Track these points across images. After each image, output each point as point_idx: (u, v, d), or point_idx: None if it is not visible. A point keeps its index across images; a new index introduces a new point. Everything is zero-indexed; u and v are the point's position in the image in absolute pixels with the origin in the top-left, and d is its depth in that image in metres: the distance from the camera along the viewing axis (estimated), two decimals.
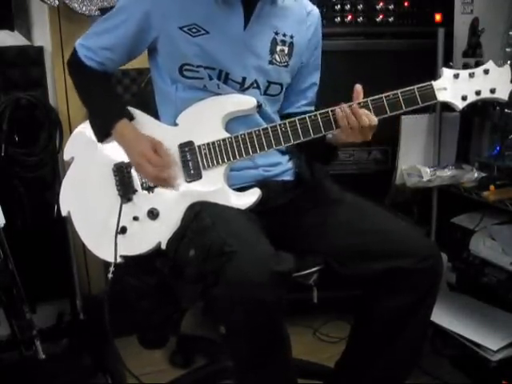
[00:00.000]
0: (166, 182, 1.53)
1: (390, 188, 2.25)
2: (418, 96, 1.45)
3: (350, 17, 2.26)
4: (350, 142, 1.50)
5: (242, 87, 1.56)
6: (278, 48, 1.58)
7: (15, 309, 1.89)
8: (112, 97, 1.66)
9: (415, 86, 1.45)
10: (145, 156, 1.51)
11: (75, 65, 1.64)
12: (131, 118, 1.59)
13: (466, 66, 1.54)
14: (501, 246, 2.01)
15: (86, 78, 1.63)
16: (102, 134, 1.59)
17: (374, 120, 1.44)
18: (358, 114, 1.44)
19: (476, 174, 2.06)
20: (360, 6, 2.25)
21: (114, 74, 1.71)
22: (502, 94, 1.46)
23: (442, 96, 1.47)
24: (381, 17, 2.27)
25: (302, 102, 1.70)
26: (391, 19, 2.28)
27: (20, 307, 1.89)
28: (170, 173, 1.52)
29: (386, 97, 1.45)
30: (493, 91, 1.46)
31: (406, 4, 2.28)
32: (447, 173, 2.11)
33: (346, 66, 2.22)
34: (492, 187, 1.98)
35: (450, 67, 1.51)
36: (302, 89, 1.69)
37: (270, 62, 1.57)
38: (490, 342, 1.92)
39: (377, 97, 1.46)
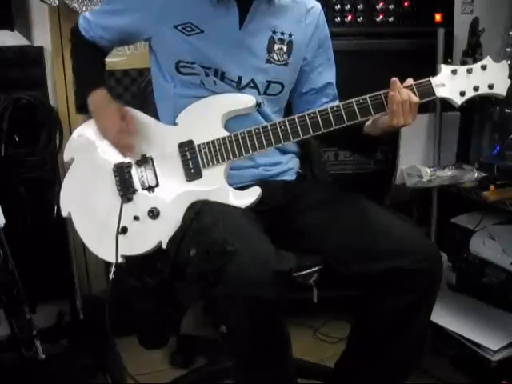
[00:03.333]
0: (125, 148, 1.56)
1: (390, 188, 2.25)
2: (416, 92, 1.44)
3: (349, 17, 2.26)
4: (391, 129, 1.46)
5: (239, 86, 1.56)
6: (276, 46, 1.57)
7: (15, 309, 1.89)
8: (95, 68, 1.70)
9: (414, 83, 1.45)
10: (111, 121, 1.57)
11: (75, 32, 1.69)
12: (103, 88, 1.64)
13: (464, 63, 1.54)
14: (501, 246, 2.01)
15: (80, 46, 1.69)
16: (80, 103, 1.65)
17: (414, 98, 1.42)
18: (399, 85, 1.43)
19: (476, 174, 2.06)
20: (360, 6, 2.25)
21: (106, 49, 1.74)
22: (499, 90, 1.46)
23: (440, 92, 1.46)
24: (381, 17, 2.28)
25: (324, 100, 1.68)
26: (391, 19, 2.28)
27: (20, 307, 1.89)
28: (128, 139, 1.55)
29: (384, 93, 1.45)
30: (491, 87, 1.45)
31: (405, 4, 2.28)
32: (447, 173, 2.11)
33: (346, 66, 2.21)
34: (492, 187, 1.97)
35: (450, 63, 1.50)
36: (318, 88, 1.68)
37: (268, 61, 1.57)
38: (490, 342, 1.92)
39: (375, 93, 1.46)
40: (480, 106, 2.07)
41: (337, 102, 1.68)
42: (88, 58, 1.68)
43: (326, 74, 1.69)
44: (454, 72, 1.46)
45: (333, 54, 1.69)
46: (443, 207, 2.29)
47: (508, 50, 2.06)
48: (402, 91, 1.42)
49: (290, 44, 1.59)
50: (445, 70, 1.47)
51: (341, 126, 1.48)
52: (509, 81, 1.46)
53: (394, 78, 1.43)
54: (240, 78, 1.56)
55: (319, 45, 1.65)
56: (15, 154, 2.13)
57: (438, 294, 1.48)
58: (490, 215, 2.15)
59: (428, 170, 2.12)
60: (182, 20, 1.52)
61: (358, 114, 1.47)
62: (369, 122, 1.51)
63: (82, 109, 1.64)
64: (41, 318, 2.15)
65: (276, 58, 1.58)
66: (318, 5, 1.66)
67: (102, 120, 1.60)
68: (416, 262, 1.41)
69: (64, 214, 1.59)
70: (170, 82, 1.60)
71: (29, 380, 1.95)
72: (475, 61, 1.52)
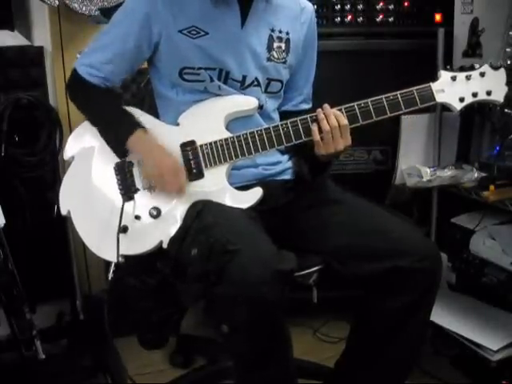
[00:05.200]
0: (177, 191, 1.51)
1: (390, 188, 2.25)
2: (417, 97, 1.47)
3: (349, 17, 2.26)
4: (327, 156, 1.50)
5: (243, 85, 1.57)
6: (275, 45, 1.59)
7: (15, 309, 1.89)
8: (120, 112, 1.61)
9: (414, 88, 1.47)
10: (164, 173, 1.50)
11: (77, 85, 1.63)
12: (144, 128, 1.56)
13: (462, 69, 1.56)
14: (501, 246, 2.01)
15: (90, 96, 1.62)
16: (120, 152, 1.57)
17: (344, 121, 1.45)
18: (328, 112, 1.46)
19: (476, 174, 2.06)
20: (360, 6, 2.26)
21: (117, 87, 1.68)
22: (497, 96, 1.50)
23: (440, 97, 1.49)
24: (381, 17, 2.28)
25: (299, 99, 1.72)
26: (391, 19, 2.28)
27: (20, 307, 1.89)
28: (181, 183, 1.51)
29: (386, 98, 1.47)
30: (489, 93, 1.49)
31: (405, 4, 2.28)
32: (447, 173, 2.11)
33: (346, 66, 2.22)
34: (492, 187, 1.97)
35: (449, 69, 1.52)
36: (298, 85, 1.70)
37: (268, 59, 1.58)
38: (490, 342, 1.92)
39: (377, 98, 1.47)
40: (480, 107, 2.07)
41: (310, 104, 1.72)
42: (106, 106, 1.61)
43: (308, 72, 1.71)
44: (454, 78, 1.49)
45: (316, 54, 1.71)
46: (443, 207, 2.29)
47: (508, 49, 2.06)
48: (331, 118, 1.44)
49: (287, 42, 1.61)
50: (444, 76, 1.50)
51: None
52: (506, 88, 1.49)
53: (324, 105, 1.47)
54: (244, 77, 1.57)
55: (309, 44, 1.67)
56: (15, 154, 2.13)
57: (438, 294, 1.49)
58: (489, 215, 2.15)
59: (428, 170, 2.12)
60: (186, 24, 1.52)
61: (359, 117, 1.48)
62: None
63: (124, 154, 1.57)
64: (41, 317, 2.15)
65: (275, 55, 1.59)
66: (310, 4, 1.68)
67: (155, 163, 1.52)
68: (416, 261, 1.41)
69: (63, 212, 1.59)
70: (170, 89, 1.60)
71: (29, 380, 1.95)
72: (471, 65, 1.54)
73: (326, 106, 1.48)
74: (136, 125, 1.56)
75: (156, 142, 1.55)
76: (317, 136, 1.46)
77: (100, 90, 1.61)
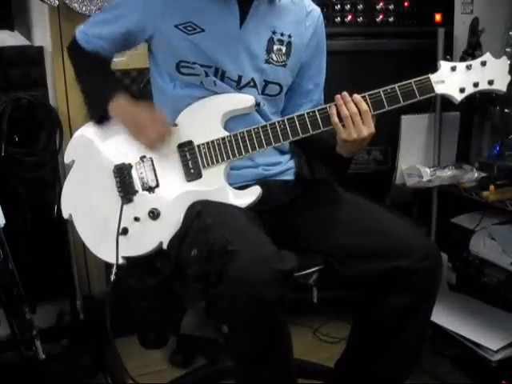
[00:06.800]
0: (161, 136, 1.52)
1: (390, 188, 2.25)
2: (415, 89, 1.44)
3: (350, 17, 2.26)
4: (351, 145, 1.47)
5: (239, 85, 1.57)
6: (275, 47, 1.58)
7: (15, 309, 1.89)
8: (107, 77, 1.66)
9: (412, 80, 1.45)
10: (144, 115, 1.52)
11: (74, 48, 1.66)
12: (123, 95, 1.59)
13: (463, 60, 1.53)
14: (501, 246, 2.01)
15: (84, 59, 1.64)
16: (98, 113, 1.59)
17: (364, 106, 1.42)
18: (347, 99, 1.43)
19: (476, 174, 2.05)
20: (360, 6, 2.26)
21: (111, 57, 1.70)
22: (500, 86, 1.45)
23: (439, 89, 1.45)
24: (381, 17, 2.28)
25: (308, 106, 1.67)
26: (391, 19, 2.28)
27: (20, 307, 1.89)
28: (163, 127, 1.52)
29: (383, 91, 1.45)
30: (491, 83, 1.45)
31: (405, 4, 2.28)
32: (447, 173, 2.11)
33: (346, 66, 2.22)
34: (492, 187, 1.97)
35: (449, 60, 1.50)
36: (306, 90, 1.68)
37: (267, 61, 1.57)
38: (490, 342, 1.92)
39: (375, 91, 1.46)
40: (480, 106, 2.07)
41: None
42: (97, 70, 1.63)
43: (317, 77, 1.69)
44: (454, 68, 1.46)
45: (325, 59, 1.69)
46: (443, 207, 2.29)
47: (508, 49, 2.06)
48: (350, 105, 1.42)
49: (288, 45, 1.59)
50: (444, 66, 1.46)
51: None
52: (509, 77, 1.45)
53: (343, 93, 1.44)
54: (240, 77, 1.56)
55: (316, 48, 1.65)
56: (15, 154, 2.13)
57: (438, 294, 1.49)
58: (490, 215, 2.15)
59: (428, 170, 2.12)
60: (182, 19, 1.52)
61: None
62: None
63: (101, 120, 1.60)
64: (41, 317, 2.15)
65: (275, 58, 1.58)
66: (317, 8, 1.66)
67: (134, 118, 1.54)
68: (416, 261, 1.41)
69: (65, 215, 1.59)
70: (169, 82, 1.60)
71: (29, 380, 1.95)
72: (473, 55, 1.52)
73: (345, 93, 1.45)
74: (117, 90, 1.58)
75: (132, 104, 1.56)
76: (335, 118, 1.43)
77: (92, 55, 1.62)
